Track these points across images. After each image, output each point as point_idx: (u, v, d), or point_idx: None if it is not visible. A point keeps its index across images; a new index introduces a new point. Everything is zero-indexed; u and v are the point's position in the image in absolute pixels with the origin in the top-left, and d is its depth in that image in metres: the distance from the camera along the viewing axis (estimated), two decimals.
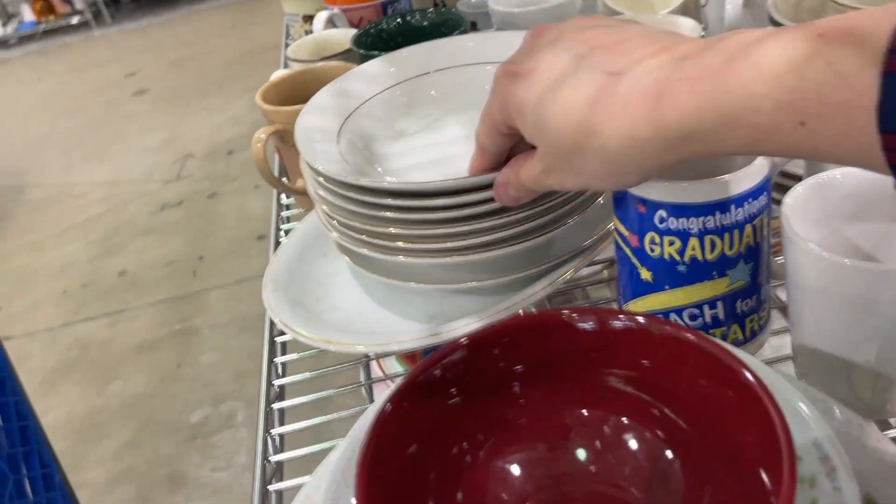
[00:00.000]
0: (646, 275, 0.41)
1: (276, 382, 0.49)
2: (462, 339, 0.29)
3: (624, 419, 0.30)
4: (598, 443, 0.30)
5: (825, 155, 0.23)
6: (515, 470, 0.30)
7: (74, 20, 4.70)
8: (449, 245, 0.46)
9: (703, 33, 0.65)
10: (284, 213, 0.68)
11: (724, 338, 0.41)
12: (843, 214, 0.39)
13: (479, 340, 0.29)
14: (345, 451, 0.33)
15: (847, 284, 0.33)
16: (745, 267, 0.39)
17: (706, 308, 0.40)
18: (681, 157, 0.26)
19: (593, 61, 0.27)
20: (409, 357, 0.86)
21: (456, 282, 0.48)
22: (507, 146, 0.36)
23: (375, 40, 0.71)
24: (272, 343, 0.52)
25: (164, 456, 1.70)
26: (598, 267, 0.79)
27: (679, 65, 0.25)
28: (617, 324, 0.29)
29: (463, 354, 0.29)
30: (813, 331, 0.37)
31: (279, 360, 0.51)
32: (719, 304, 0.40)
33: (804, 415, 0.30)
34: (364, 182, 0.45)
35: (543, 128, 0.28)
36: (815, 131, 0.22)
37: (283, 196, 0.70)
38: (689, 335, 0.28)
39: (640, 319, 0.29)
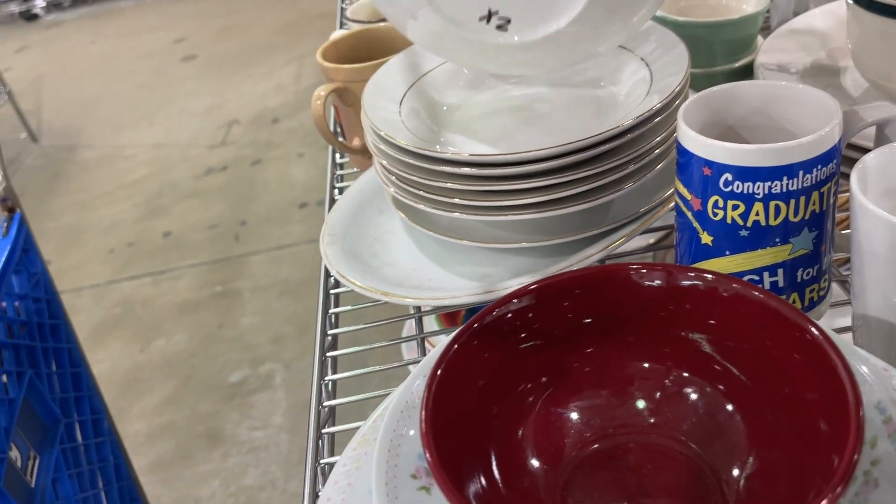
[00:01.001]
0: (706, 239, 0.41)
1: (331, 332, 0.50)
2: (532, 285, 0.29)
3: (686, 374, 0.30)
4: (658, 395, 0.30)
5: None
6: (575, 416, 0.31)
7: None
8: (505, 203, 0.46)
9: (768, 5, 0.63)
10: (339, 173, 0.69)
11: None
12: None
13: (548, 288, 0.29)
14: (402, 393, 0.34)
15: None
16: (808, 235, 0.39)
17: (766, 275, 0.40)
18: None
19: None
20: (448, 318, 0.87)
21: (510, 241, 0.48)
22: None
23: None
24: (327, 295, 0.53)
25: (203, 413, 1.74)
26: (643, 245, 0.79)
27: None
28: (685, 280, 0.29)
29: (531, 301, 0.29)
30: (877, 300, 0.37)
31: (333, 311, 0.52)
32: (780, 272, 0.40)
33: (867, 378, 0.30)
34: (426, 152, 0.45)
35: None
36: None
37: (337, 155, 0.71)
38: (756, 293, 0.28)
39: (708, 276, 0.29)
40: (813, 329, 0.26)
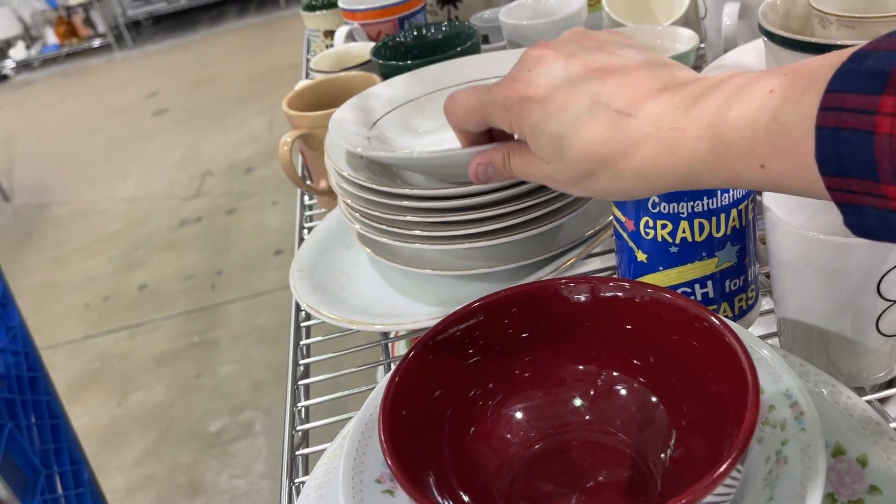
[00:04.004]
0: (641, 257, 0.45)
1: (302, 362, 0.53)
2: (475, 303, 0.33)
3: (615, 373, 0.33)
4: (592, 394, 0.34)
5: (785, 190, 0.27)
6: (521, 417, 0.34)
7: (96, 43, 4.82)
8: (462, 232, 0.50)
9: (701, 44, 0.69)
10: (307, 214, 0.73)
11: None
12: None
13: (489, 305, 0.33)
14: (366, 409, 0.37)
15: (819, 258, 0.37)
16: (732, 248, 0.43)
17: (697, 287, 0.44)
18: (679, 188, 0.30)
19: (605, 99, 0.30)
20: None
21: (467, 268, 0.52)
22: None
23: (393, 52, 0.75)
24: (298, 328, 0.56)
25: (184, 464, 1.73)
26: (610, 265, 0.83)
27: (681, 113, 0.28)
28: (607, 291, 0.33)
29: (477, 317, 0.33)
30: (793, 304, 0.41)
31: (304, 342, 0.55)
32: (709, 283, 0.44)
33: (777, 370, 0.33)
34: (387, 189, 0.49)
35: (561, 155, 0.32)
36: (772, 172, 0.26)
37: (306, 198, 0.75)
38: (666, 295, 0.32)
39: (626, 285, 0.33)
40: (713, 319, 0.30)
